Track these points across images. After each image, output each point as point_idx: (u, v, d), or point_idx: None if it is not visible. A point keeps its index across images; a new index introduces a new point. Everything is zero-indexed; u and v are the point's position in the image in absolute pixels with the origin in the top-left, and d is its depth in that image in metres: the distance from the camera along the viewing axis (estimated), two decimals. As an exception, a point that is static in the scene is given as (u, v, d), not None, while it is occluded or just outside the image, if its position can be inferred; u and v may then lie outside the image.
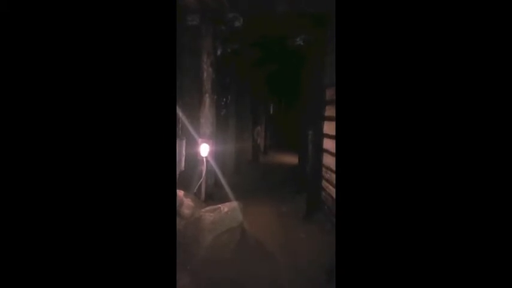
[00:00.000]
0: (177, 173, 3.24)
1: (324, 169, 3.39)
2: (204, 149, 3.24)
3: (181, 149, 3.36)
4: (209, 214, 2.39)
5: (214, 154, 3.49)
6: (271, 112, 9.06)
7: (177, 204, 2.55)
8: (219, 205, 2.53)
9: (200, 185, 3.32)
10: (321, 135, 3.43)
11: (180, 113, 3.33)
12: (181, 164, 3.35)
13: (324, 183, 3.37)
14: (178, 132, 3.40)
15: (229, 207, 2.41)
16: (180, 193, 2.68)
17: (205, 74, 3.48)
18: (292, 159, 6.81)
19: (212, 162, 3.41)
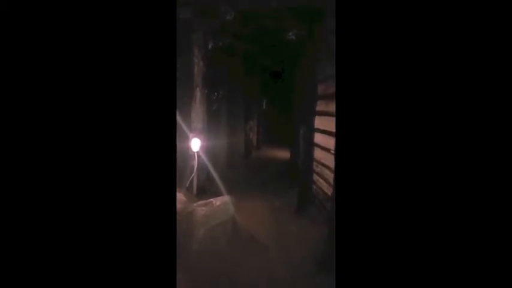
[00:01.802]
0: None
1: (315, 163, 3.43)
2: (195, 144, 3.22)
3: (173, 144, 3.33)
4: (201, 208, 2.40)
5: (206, 149, 3.48)
6: (264, 107, 9.05)
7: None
8: (211, 199, 2.54)
9: (192, 180, 3.31)
10: (312, 130, 3.46)
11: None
12: (172, 159, 3.33)
13: (315, 177, 3.41)
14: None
15: (221, 201, 2.43)
16: (171, 188, 2.67)
17: (195, 68, 3.44)
18: (284, 154, 6.85)
19: (204, 157, 3.40)
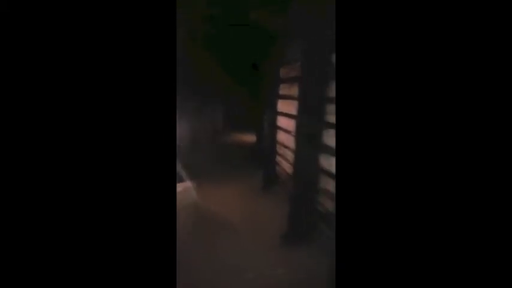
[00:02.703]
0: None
1: (278, 145, 3.54)
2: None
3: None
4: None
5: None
6: (231, 91, 8.91)
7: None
8: (173, 185, 2.50)
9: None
10: (275, 114, 3.53)
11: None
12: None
13: (278, 159, 3.53)
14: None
15: (183, 187, 2.40)
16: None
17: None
18: (251, 137, 6.92)
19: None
